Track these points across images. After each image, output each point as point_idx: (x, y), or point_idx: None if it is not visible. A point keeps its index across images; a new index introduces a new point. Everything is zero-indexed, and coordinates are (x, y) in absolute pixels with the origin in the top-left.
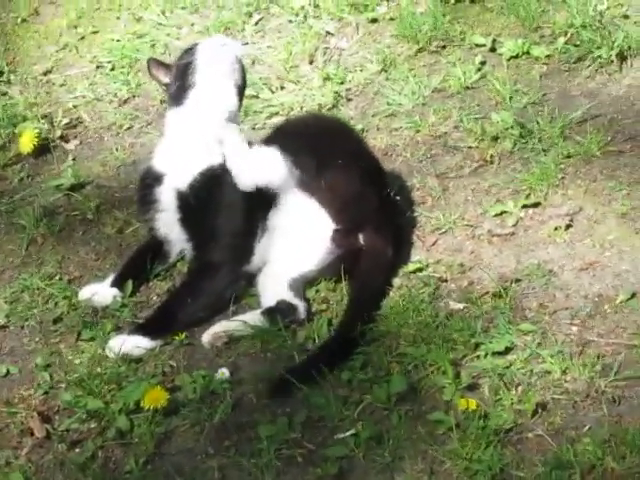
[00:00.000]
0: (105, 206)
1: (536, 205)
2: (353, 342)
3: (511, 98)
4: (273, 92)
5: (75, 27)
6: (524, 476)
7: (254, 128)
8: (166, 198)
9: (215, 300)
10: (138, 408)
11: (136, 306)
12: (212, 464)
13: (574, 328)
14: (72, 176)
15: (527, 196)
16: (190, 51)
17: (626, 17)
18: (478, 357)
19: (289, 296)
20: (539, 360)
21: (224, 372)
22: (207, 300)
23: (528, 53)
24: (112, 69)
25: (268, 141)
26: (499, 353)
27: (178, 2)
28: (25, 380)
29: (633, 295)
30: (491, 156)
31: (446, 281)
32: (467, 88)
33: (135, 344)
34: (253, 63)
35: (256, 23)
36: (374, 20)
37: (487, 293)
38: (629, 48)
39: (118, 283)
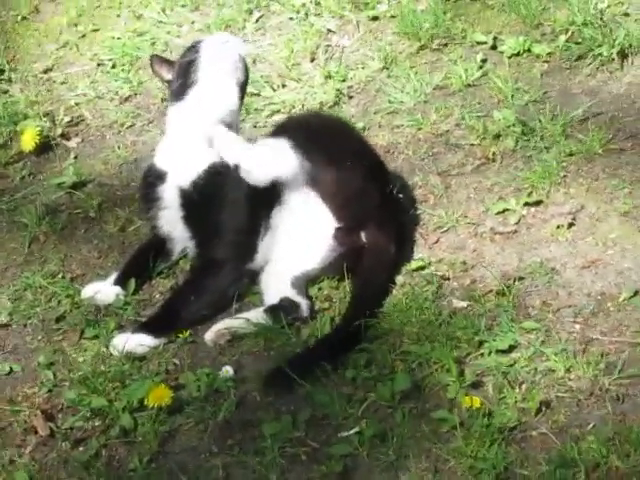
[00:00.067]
0: (107, 204)
1: (538, 203)
2: (353, 338)
3: (512, 96)
4: (274, 90)
5: (75, 25)
6: (528, 474)
7: (255, 126)
8: (169, 196)
9: (218, 298)
10: (142, 406)
11: (139, 304)
12: (216, 462)
13: (577, 326)
14: (74, 174)
15: (529, 194)
16: (193, 48)
17: (627, 15)
18: (482, 355)
19: (292, 294)
20: (543, 358)
21: (228, 370)
22: (210, 298)
23: (529, 51)
24: (113, 67)
25: (271, 139)
26: (503, 351)
27: (178, 0)
28: (28, 378)
29: (636, 293)
30: (493, 154)
31: (449, 279)
32: (469, 86)
33: (139, 342)
34: (254, 61)
35: (257, 20)
36: (375, 18)
37: (490, 291)
38: (630, 46)
39: (121, 281)
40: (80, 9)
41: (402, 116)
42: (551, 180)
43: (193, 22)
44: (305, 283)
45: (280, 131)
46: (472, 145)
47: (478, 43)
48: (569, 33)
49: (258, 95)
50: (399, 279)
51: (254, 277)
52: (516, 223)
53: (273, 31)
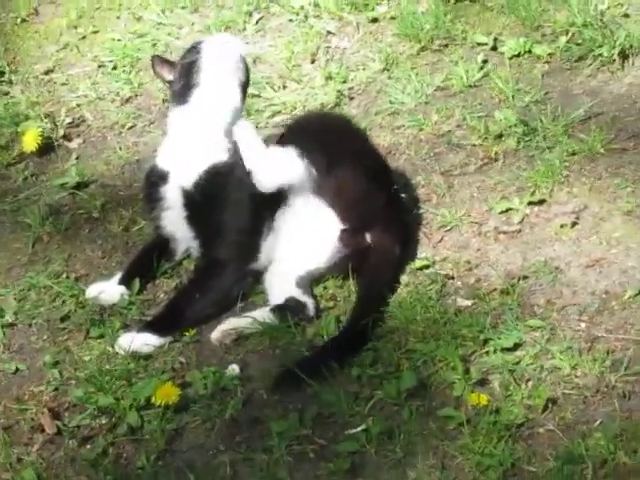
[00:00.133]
0: (110, 204)
1: (541, 202)
2: (361, 338)
3: (514, 96)
4: (275, 91)
5: (75, 27)
6: (536, 471)
7: (257, 127)
8: (172, 196)
9: (222, 297)
10: (148, 404)
11: (143, 304)
12: (223, 460)
13: (582, 324)
14: (76, 175)
15: (532, 193)
16: (194, 49)
17: (627, 16)
18: (487, 353)
19: (297, 293)
20: (548, 356)
21: (234, 368)
22: (214, 297)
23: (530, 52)
24: (114, 68)
25: (277, 141)
26: (508, 349)
27: (178, 1)
28: (34, 377)
29: None
30: (495, 154)
31: (453, 278)
32: (470, 87)
33: (144, 341)
34: (254, 62)
35: (257, 22)
36: (375, 19)
37: (495, 290)
38: (630, 47)
39: (125, 281)
40: (80, 11)
41: (403, 117)
42: (554, 179)
43: (193, 24)
44: (310, 283)
45: (287, 133)
46: (474, 145)
47: (478, 44)
48: (569, 34)
49: (259, 96)
50: (403, 278)
51: (258, 277)
52: (520, 222)
53: (273, 33)
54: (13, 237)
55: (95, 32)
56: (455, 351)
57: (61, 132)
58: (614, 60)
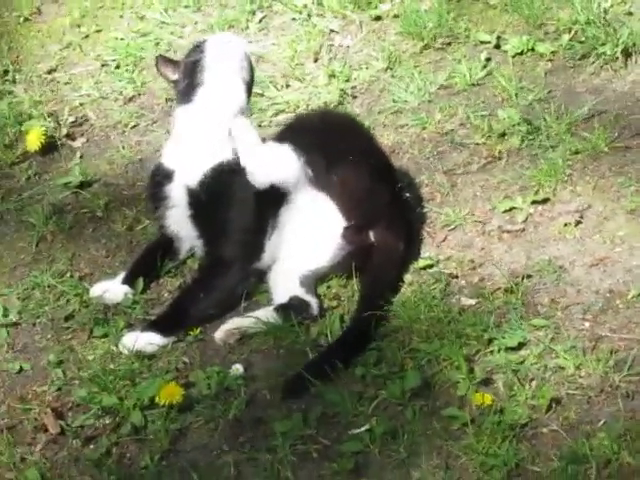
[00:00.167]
0: (114, 204)
1: (545, 201)
2: (366, 337)
3: (517, 95)
4: (278, 90)
5: (78, 26)
6: (540, 471)
7: (260, 126)
8: (176, 195)
9: (226, 296)
10: (152, 404)
11: (147, 303)
12: (227, 460)
13: (586, 323)
14: (80, 174)
15: (536, 192)
16: (198, 48)
17: (630, 14)
18: (491, 352)
19: (301, 292)
20: (552, 355)
21: (238, 368)
22: (218, 296)
23: (533, 50)
24: (117, 67)
25: (278, 137)
26: (512, 348)
27: (181, 0)
28: (38, 377)
29: None
30: (499, 152)
31: (457, 277)
32: (473, 85)
33: (148, 341)
34: (257, 61)
35: (260, 21)
36: (378, 18)
37: (499, 289)
38: (634, 45)
39: (129, 280)
40: (83, 10)
41: (406, 115)
42: (557, 178)
43: (196, 23)
44: (314, 282)
45: (289, 129)
46: (477, 144)
47: (482, 42)
48: (572, 32)
49: (262, 95)
50: (407, 277)
51: (262, 276)
52: (523, 221)
53: (276, 31)
54: (17, 236)
55: (98, 31)
56: (459, 350)
57: (64, 131)
58: (617, 58)
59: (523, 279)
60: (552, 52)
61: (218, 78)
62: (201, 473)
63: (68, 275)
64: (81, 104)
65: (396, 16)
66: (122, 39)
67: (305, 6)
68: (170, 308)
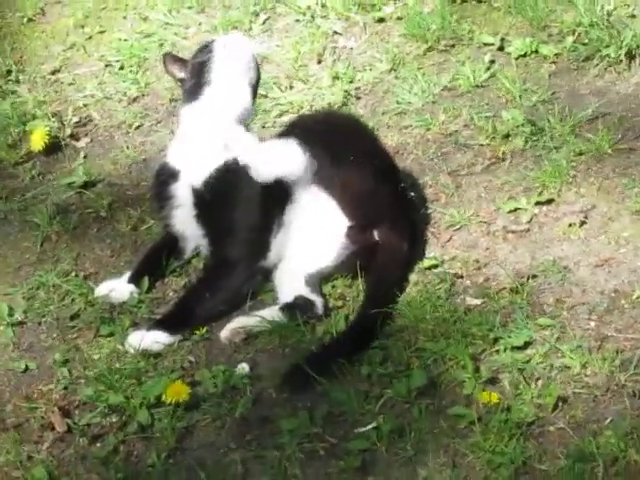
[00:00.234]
0: (118, 204)
1: (549, 202)
2: (369, 335)
3: (521, 96)
4: (282, 91)
5: (82, 27)
6: (547, 469)
7: (264, 127)
8: (181, 194)
9: (232, 295)
10: (159, 403)
11: (153, 302)
12: (234, 458)
13: (592, 323)
14: (84, 174)
15: (540, 193)
16: (206, 48)
17: (633, 17)
18: (497, 352)
19: (306, 292)
20: (558, 355)
21: (244, 367)
22: (224, 295)
23: (536, 52)
24: (121, 68)
25: (282, 137)
26: (518, 347)
27: (184, 1)
28: (44, 376)
29: None
30: (503, 153)
31: (462, 277)
32: (477, 87)
33: (154, 339)
34: (261, 62)
35: (263, 22)
36: (381, 20)
37: (504, 289)
38: (637, 47)
39: (134, 279)
40: (86, 11)
41: (410, 117)
42: (561, 179)
43: (200, 24)
44: (319, 281)
45: (292, 129)
46: (481, 145)
47: (485, 44)
48: (576, 34)
49: (266, 96)
50: (412, 277)
51: (267, 275)
52: (528, 222)
53: (280, 33)
54: (21, 236)
55: (101, 32)
56: (465, 350)
57: (68, 131)
58: (621, 60)
59: (528, 279)
60: (556, 54)
61: (225, 78)
62: (208, 471)
63: (73, 275)
64: (85, 104)
65: (399, 18)
66: (126, 40)
67: (309, 7)
68: (176, 307)
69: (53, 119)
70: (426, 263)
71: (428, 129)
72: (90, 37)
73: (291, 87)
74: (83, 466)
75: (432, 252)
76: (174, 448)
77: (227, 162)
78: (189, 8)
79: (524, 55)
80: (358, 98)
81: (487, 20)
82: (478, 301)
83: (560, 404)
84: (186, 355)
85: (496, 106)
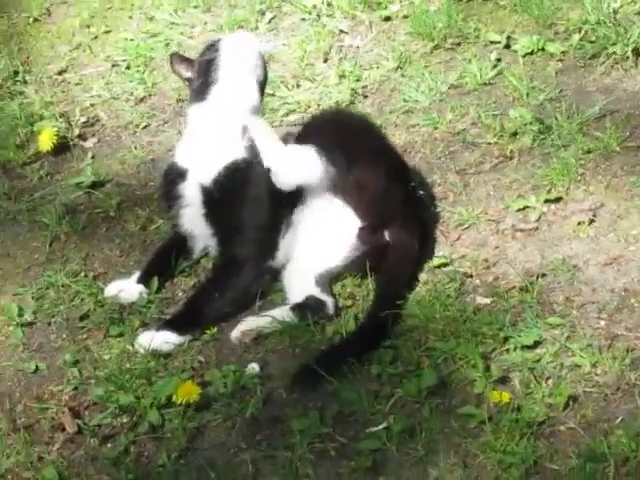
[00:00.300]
0: (127, 204)
1: (558, 200)
2: (379, 333)
3: (528, 94)
4: (289, 90)
5: (88, 27)
6: (558, 469)
7: (271, 125)
8: (190, 193)
9: (241, 295)
10: (169, 403)
11: (162, 302)
12: (245, 458)
13: (602, 322)
14: (92, 174)
15: (549, 191)
16: (213, 47)
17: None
18: (507, 351)
19: (317, 292)
20: (568, 353)
21: (254, 367)
22: (233, 295)
23: (543, 50)
24: (127, 68)
25: (295, 138)
26: (528, 347)
27: (190, 1)
28: (54, 376)
29: None
30: (511, 152)
31: (471, 276)
32: (483, 84)
33: (164, 339)
34: (268, 61)
35: (269, 21)
36: (387, 18)
37: (513, 288)
38: None
39: (144, 280)
40: (92, 11)
41: (418, 115)
42: (570, 177)
43: (205, 23)
44: (329, 281)
45: (304, 130)
46: (489, 143)
47: (492, 42)
48: (583, 32)
49: (273, 95)
50: (422, 276)
51: (276, 274)
52: (537, 220)
53: (286, 32)
54: (30, 236)
55: (107, 32)
56: (475, 349)
57: (76, 132)
58: (628, 58)
59: (538, 278)
60: (562, 52)
61: (232, 77)
62: (219, 471)
63: (82, 275)
64: (92, 105)
65: (405, 17)
66: (132, 40)
67: (315, 6)
68: (185, 307)
69: (60, 119)
70: (435, 262)
71: (436, 127)
72: (96, 37)
73: (298, 86)
74: (94, 467)
75: (441, 251)
76: (185, 448)
77: (235, 161)
78: (195, 7)
79: (531, 53)
80: (365, 96)
81: (493, 18)
82: (488, 300)
83: (571, 403)
84: (196, 355)
85: (503, 104)
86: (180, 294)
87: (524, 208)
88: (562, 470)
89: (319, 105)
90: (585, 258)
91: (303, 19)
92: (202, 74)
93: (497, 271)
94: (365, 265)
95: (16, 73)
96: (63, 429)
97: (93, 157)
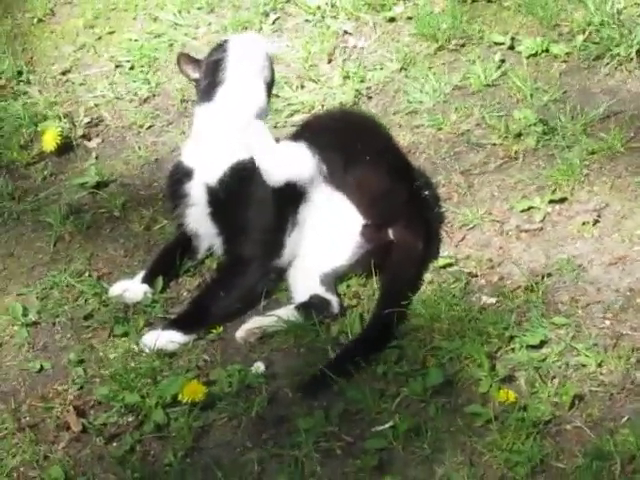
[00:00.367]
0: (131, 204)
1: (563, 201)
2: (387, 334)
3: (532, 95)
4: (294, 91)
5: (92, 27)
6: (564, 467)
7: (275, 126)
8: (196, 193)
9: (246, 295)
10: (175, 402)
11: (167, 302)
12: (251, 457)
13: (607, 321)
14: (96, 174)
15: (553, 192)
16: (220, 47)
17: None
18: (513, 350)
19: (322, 291)
20: (574, 353)
21: (259, 366)
22: (238, 294)
23: (547, 51)
24: (131, 68)
25: (297, 136)
26: (534, 346)
27: (194, 2)
28: (59, 375)
29: None
30: (515, 153)
31: (476, 276)
32: (488, 86)
33: (169, 339)
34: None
35: (273, 22)
36: (392, 19)
37: (519, 287)
38: None
39: (148, 279)
40: (96, 11)
41: (422, 116)
42: (574, 178)
43: (209, 24)
44: (334, 280)
45: (306, 129)
46: (493, 144)
47: (496, 44)
48: (587, 33)
49: (277, 96)
50: (427, 276)
51: (281, 273)
52: (541, 220)
53: (290, 33)
54: (35, 236)
55: (111, 32)
56: (481, 348)
57: (80, 132)
58: (632, 59)
59: (543, 278)
60: (566, 53)
61: (239, 77)
62: (225, 470)
63: (86, 275)
64: (96, 105)
65: (410, 18)
66: (136, 40)
67: (319, 7)
68: (190, 306)
69: (64, 120)
70: (440, 262)
71: (440, 128)
72: (100, 37)
73: (302, 87)
74: (100, 466)
75: (446, 251)
76: (190, 447)
77: (242, 160)
78: (199, 8)
79: (535, 54)
80: (369, 97)
81: (497, 19)
82: (493, 300)
83: (576, 402)
84: (201, 354)
85: (507, 105)
86: (185, 294)
87: (529, 209)
88: (568, 469)
89: (323, 106)
90: (590, 258)
91: (307, 20)
92: (209, 74)
93: (502, 271)
94: (370, 264)
95: (20, 73)
96: (68, 428)
97: (97, 157)
